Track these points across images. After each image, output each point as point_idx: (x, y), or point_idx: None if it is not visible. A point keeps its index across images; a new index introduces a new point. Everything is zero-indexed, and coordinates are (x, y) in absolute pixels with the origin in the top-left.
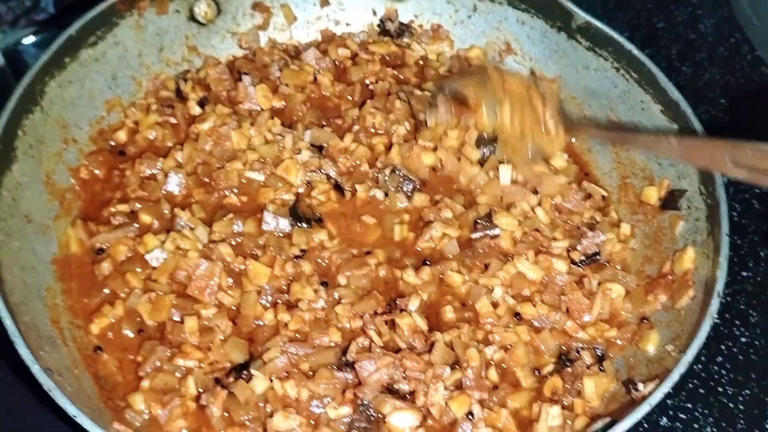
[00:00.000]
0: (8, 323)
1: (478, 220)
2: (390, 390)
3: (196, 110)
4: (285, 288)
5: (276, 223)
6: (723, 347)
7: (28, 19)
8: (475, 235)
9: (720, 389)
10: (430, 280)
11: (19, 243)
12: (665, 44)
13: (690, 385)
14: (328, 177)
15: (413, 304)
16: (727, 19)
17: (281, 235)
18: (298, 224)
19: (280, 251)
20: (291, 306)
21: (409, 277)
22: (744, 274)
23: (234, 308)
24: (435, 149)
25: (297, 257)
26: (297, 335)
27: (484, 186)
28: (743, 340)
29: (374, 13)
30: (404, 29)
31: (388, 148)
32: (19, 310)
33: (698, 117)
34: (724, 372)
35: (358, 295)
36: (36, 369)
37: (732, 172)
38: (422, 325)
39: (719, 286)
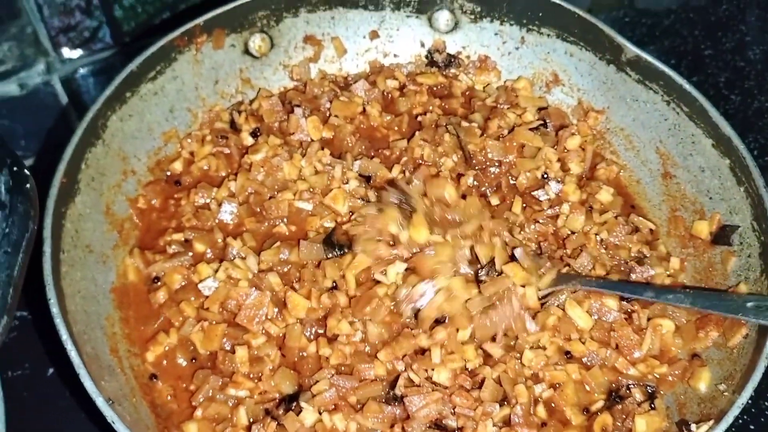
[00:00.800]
0: (73, 355)
1: None
2: (438, 425)
3: (249, 141)
4: (323, 321)
5: (309, 250)
6: None
7: (87, 49)
8: None
9: None
10: None
11: (81, 273)
12: (713, 72)
13: (740, 421)
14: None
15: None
16: None
17: (316, 265)
18: (333, 252)
19: (314, 283)
20: (331, 339)
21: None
22: None
23: (281, 338)
24: None
25: (331, 289)
26: (342, 368)
27: None
28: None
29: (422, 45)
30: (452, 60)
31: None
32: (82, 340)
33: (747, 146)
34: None
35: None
36: (100, 402)
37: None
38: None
39: None
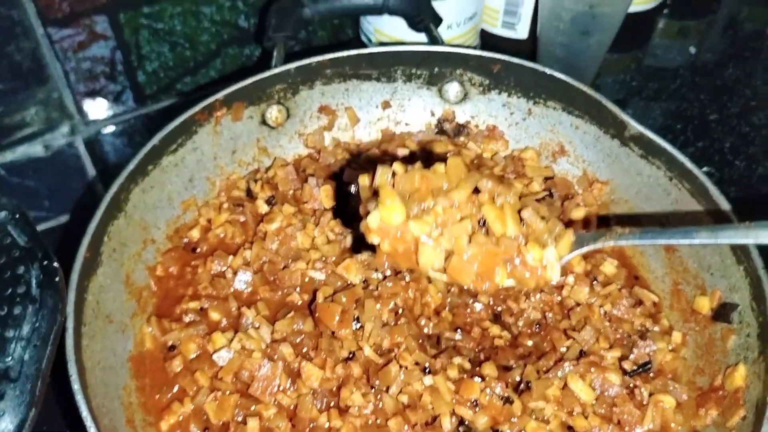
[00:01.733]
0: (92, 431)
1: None
2: None
3: (264, 209)
4: (336, 391)
5: None
6: None
7: (110, 111)
8: None
9: None
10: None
11: (101, 344)
12: (718, 137)
13: None
14: (385, 276)
15: (448, 423)
16: None
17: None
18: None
19: (331, 353)
20: (343, 411)
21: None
22: None
23: (292, 409)
24: None
25: (347, 359)
26: None
27: None
28: None
29: (432, 114)
30: (461, 129)
31: None
32: (101, 413)
33: None
34: None
35: (408, 405)
36: None
37: None
38: None
39: None
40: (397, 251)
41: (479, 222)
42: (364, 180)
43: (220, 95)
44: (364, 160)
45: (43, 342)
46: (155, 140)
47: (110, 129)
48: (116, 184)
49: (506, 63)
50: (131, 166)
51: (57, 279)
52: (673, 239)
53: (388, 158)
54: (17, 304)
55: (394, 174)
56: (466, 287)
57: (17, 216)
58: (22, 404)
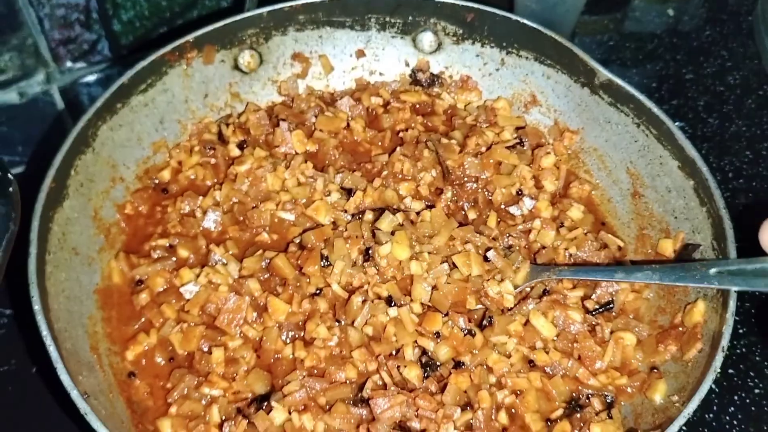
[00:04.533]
0: (51, 350)
1: None
2: (402, 427)
3: (236, 152)
4: (302, 325)
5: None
6: (736, 398)
7: (85, 61)
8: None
9: None
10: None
11: (66, 274)
12: (693, 95)
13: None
14: (353, 216)
15: (410, 353)
16: (756, 72)
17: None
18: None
19: (298, 289)
20: (308, 343)
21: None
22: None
23: (258, 340)
24: None
25: (314, 294)
26: (315, 371)
27: None
28: (757, 391)
29: (407, 64)
30: (435, 79)
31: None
32: (63, 337)
33: (723, 168)
34: (736, 423)
35: (372, 337)
36: (74, 394)
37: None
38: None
39: (724, 342)
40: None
41: (454, 264)
42: None
43: (190, 36)
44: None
45: None
46: (124, 78)
47: (86, 78)
48: (83, 119)
49: (480, 12)
50: (99, 103)
51: (11, 189)
52: (598, 277)
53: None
54: None
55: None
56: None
57: None
58: None
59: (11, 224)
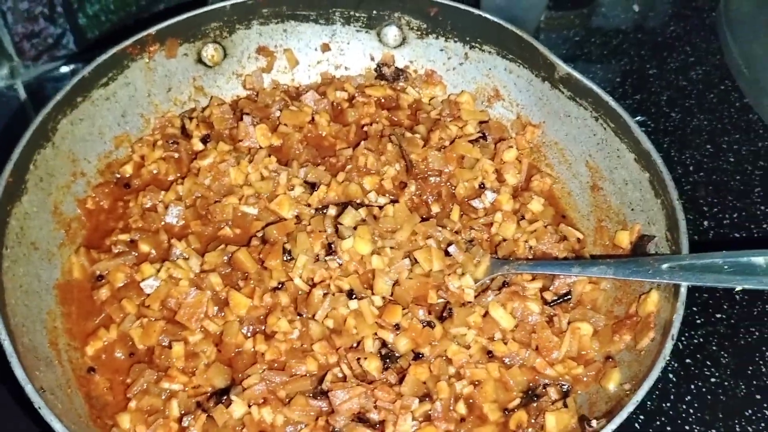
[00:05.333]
0: (6, 344)
1: None
2: (361, 419)
3: (199, 146)
4: (263, 319)
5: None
6: (693, 387)
7: (50, 55)
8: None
9: (687, 428)
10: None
11: (24, 269)
12: (656, 90)
13: (658, 423)
14: (316, 210)
15: (370, 345)
16: (718, 67)
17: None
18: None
19: (260, 283)
20: (269, 336)
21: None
22: (718, 315)
23: (219, 335)
24: None
25: (276, 289)
26: (275, 364)
27: None
28: (713, 380)
29: (372, 59)
30: (400, 74)
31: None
32: (20, 332)
33: (684, 162)
34: (692, 411)
35: (333, 330)
36: (28, 389)
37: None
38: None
39: (674, 330)
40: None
41: (415, 259)
42: None
43: (152, 30)
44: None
45: None
46: (84, 72)
47: (51, 73)
48: (43, 113)
49: (443, 6)
50: (59, 97)
51: None
52: (556, 271)
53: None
54: None
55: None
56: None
57: None
58: None
59: None
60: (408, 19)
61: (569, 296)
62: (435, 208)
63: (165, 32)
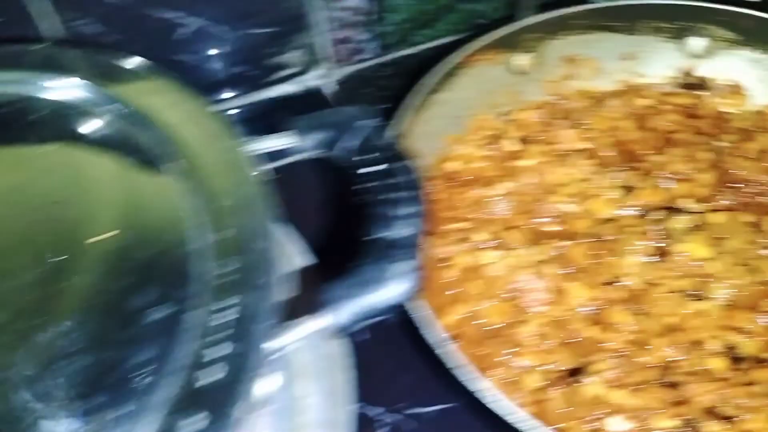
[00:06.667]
0: None
1: None
2: (713, 413)
3: (516, 147)
4: (599, 310)
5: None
6: None
7: (358, 58)
8: None
9: None
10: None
11: None
12: None
13: None
14: (639, 212)
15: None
16: None
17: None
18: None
19: (595, 276)
20: (606, 327)
21: None
22: None
23: (559, 320)
24: None
25: (609, 283)
26: (617, 353)
27: None
28: None
29: (675, 68)
30: (703, 83)
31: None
32: None
33: None
34: None
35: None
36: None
37: None
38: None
39: None
40: None
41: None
42: None
43: (477, 44)
44: None
45: None
46: (426, 80)
47: (358, 73)
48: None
49: (759, 19)
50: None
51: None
52: None
53: None
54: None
55: None
56: None
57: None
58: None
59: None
60: (717, 30)
61: None
62: (747, 218)
63: (489, 45)
